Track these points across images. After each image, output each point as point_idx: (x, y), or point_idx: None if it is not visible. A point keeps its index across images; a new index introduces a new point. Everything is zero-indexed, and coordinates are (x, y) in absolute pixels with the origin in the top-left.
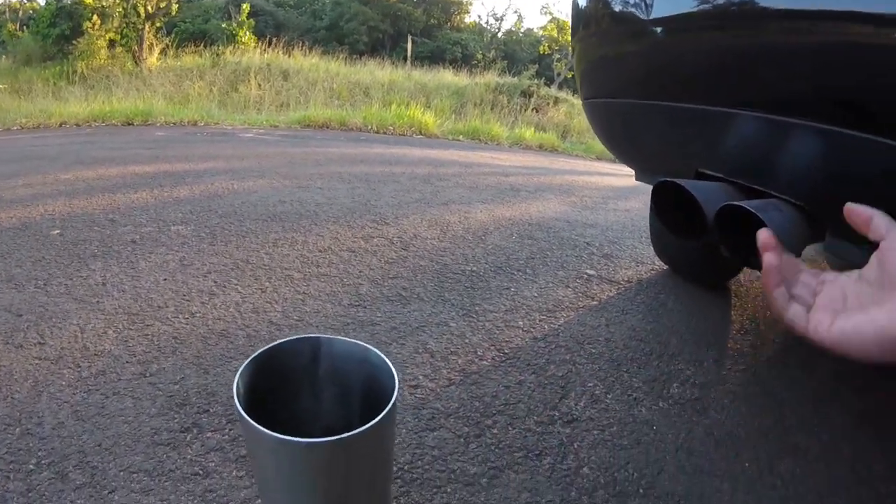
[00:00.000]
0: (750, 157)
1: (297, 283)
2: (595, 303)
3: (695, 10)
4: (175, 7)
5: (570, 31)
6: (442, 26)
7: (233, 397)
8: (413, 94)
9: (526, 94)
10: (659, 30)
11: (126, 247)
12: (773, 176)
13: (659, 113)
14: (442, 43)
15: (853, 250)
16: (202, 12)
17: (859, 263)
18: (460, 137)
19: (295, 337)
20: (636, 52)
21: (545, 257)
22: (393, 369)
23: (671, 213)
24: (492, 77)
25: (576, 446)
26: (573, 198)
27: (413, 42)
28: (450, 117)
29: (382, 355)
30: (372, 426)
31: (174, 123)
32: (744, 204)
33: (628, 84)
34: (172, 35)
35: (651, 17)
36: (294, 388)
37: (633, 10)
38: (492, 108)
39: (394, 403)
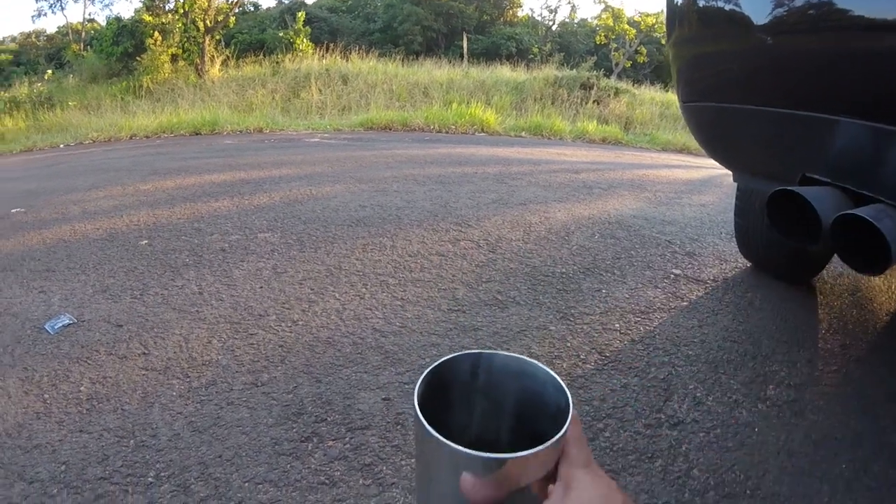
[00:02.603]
0: (857, 163)
1: (393, 289)
2: (685, 303)
3: (803, 13)
4: (233, 20)
5: (628, 22)
6: (495, 22)
7: (416, 414)
8: (472, 91)
9: (586, 87)
10: (765, 32)
11: (216, 255)
12: (881, 182)
13: (764, 118)
14: (496, 38)
15: None
16: (258, 22)
17: None
18: (523, 133)
19: (458, 353)
20: (740, 56)
21: (630, 257)
22: (562, 382)
23: (785, 218)
24: (550, 70)
25: (684, 448)
26: (647, 193)
27: (468, 39)
28: (511, 113)
29: (543, 366)
30: (557, 439)
31: (240, 131)
32: (861, 213)
33: (732, 88)
34: (231, 46)
35: (756, 19)
36: (451, 400)
37: (737, 10)
38: (552, 103)
39: (571, 418)
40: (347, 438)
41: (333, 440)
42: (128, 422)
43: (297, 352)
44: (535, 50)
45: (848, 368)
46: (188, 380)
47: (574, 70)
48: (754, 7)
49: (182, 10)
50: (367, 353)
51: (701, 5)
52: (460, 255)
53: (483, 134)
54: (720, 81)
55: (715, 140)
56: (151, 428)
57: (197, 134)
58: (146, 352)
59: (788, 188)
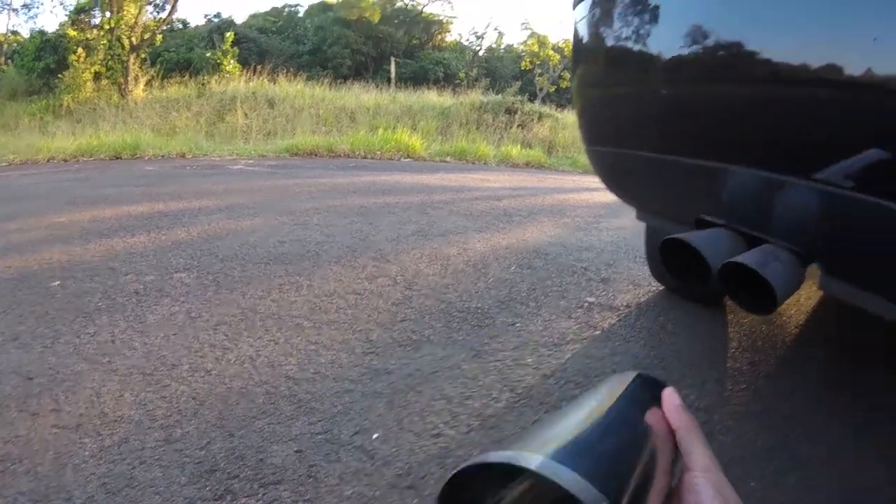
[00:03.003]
0: (748, 207)
1: (308, 333)
2: (598, 332)
3: (696, 58)
4: (160, 38)
5: (553, 48)
6: (424, 46)
7: None
8: (399, 116)
9: (510, 111)
10: (657, 82)
11: (130, 298)
12: (770, 225)
13: (660, 165)
14: (425, 63)
15: (848, 288)
16: (186, 41)
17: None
18: (448, 159)
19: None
20: (636, 103)
21: (545, 287)
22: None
23: (678, 261)
24: (476, 95)
25: None
26: (566, 219)
27: (396, 63)
28: (436, 139)
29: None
30: None
31: (162, 156)
32: (745, 260)
33: (630, 134)
34: (157, 65)
35: (651, 68)
36: None
37: (632, 53)
38: (477, 127)
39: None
40: (260, 494)
41: (247, 497)
42: (41, 484)
43: (210, 404)
44: (462, 75)
45: (757, 385)
46: (100, 438)
47: (499, 95)
48: (650, 55)
49: (108, 26)
50: (280, 403)
51: (600, 49)
52: (377, 293)
53: (409, 159)
54: (619, 127)
55: (617, 182)
56: (66, 491)
57: (118, 158)
58: (58, 407)
59: (677, 237)
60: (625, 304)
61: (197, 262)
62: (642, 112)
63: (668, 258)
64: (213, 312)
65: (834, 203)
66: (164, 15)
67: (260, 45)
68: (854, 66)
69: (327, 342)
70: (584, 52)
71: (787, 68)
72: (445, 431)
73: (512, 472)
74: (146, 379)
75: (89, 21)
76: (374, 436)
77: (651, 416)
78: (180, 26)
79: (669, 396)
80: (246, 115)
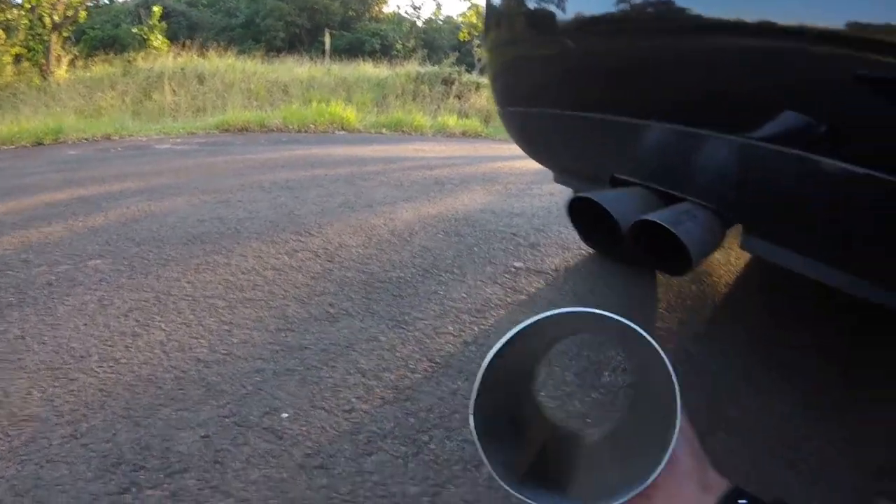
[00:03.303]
0: (662, 164)
1: (221, 313)
2: (524, 297)
3: (606, 15)
4: (83, 14)
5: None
6: (360, 18)
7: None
8: (333, 89)
9: (447, 82)
10: (568, 37)
11: (42, 291)
12: (686, 182)
13: (573, 122)
14: (361, 35)
15: (770, 247)
16: (112, 17)
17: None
18: (383, 130)
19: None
20: (547, 60)
21: (472, 254)
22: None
23: (588, 222)
24: (412, 67)
25: None
26: (498, 186)
27: (331, 35)
28: (372, 111)
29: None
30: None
31: (87, 140)
32: (657, 219)
33: (541, 93)
34: (81, 43)
35: (561, 23)
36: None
37: (544, 14)
38: (414, 99)
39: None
40: (166, 485)
41: (152, 488)
42: None
43: (118, 394)
44: (399, 46)
45: (685, 345)
46: (9, 439)
47: (437, 66)
48: (560, 11)
49: (29, 5)
50: (189, 388)
51: (515, 8)
52: (296, 267)
53: (343, 132)
54: (531, 84)
55: (531, 143)
56: None
57: (39, 144)
58: None
59: (584, 195)
60: (553, 268)
61: (113, 248)
62: (552, 68)
63: (578, 219)
64: (126, 298)
65: (752, 157)
66: None
67: (190, 19)
68: (772, 14)
69: (241, 321)
70: (494, 13)
71: (701, 18)
72: (358, 406)
73: None
74: (54, 374)
75: (10, 1)
76: (284, 415)
77: None
78: (106, 1)
79: None
80: (174, 91)
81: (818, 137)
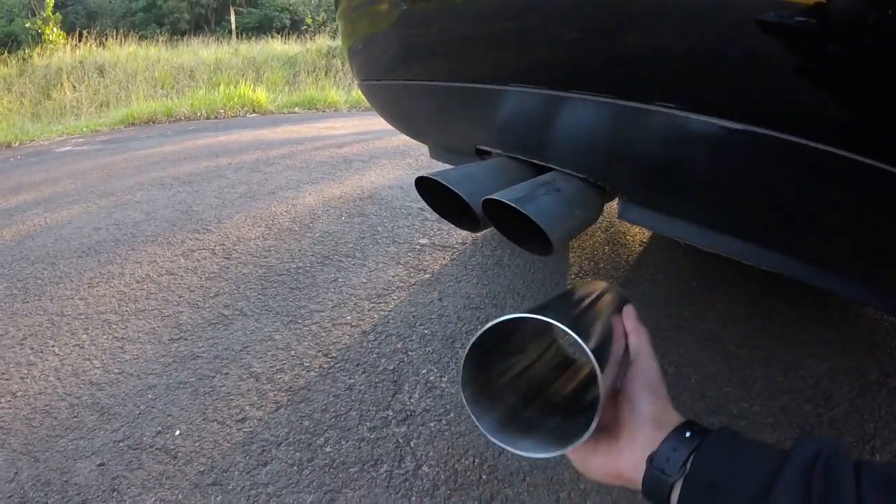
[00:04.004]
0: (522, 132)
1: (115, 328)
2: (428, 276)
3: None
4: None
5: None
6: None
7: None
8: (242, 70)
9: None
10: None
11: None
12: (550, 151)
13: (431, 93)
14: (269, 11)
15: (649, 215)
16: (4, 12)
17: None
18: (297, 110)
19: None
20: (399, 26)
21: (375, 234)
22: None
23: (447, 203)
24: (323, 41)
25: (412, 445)
26: (408, 160)
27: (237, 13)
28: (283, 90)
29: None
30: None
31: None
32: (501, 197)
33: (397, 63)
34: None
35: None
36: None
37: None
38: (326, 74)
39: None
40: None
41: None
42: None
43: (17, 430)
44: (309, 20)
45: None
46: None
47: None
48: None
49: None
50: (83, 414)
51: None
52: (192, 269)
53: (255, 115)
54: (386, 55)
55: (396, 117)
56: None
57: None
58: None
59: (426, 176)
60: (460, 241)
61: (7, 270)
62: (404, 34)
63: (432, 199)
64: (20, 325)
65: (618, 119)
66: None
67: (87, 6)
68: None
69: (134, 335)
70: None
71: None
72: (252, 414)
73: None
74: None
75: None
76: (177, 433)
77: (614, 318)
78: None
79: (629, 308)
80: (74, 87)
81: (686, 92)
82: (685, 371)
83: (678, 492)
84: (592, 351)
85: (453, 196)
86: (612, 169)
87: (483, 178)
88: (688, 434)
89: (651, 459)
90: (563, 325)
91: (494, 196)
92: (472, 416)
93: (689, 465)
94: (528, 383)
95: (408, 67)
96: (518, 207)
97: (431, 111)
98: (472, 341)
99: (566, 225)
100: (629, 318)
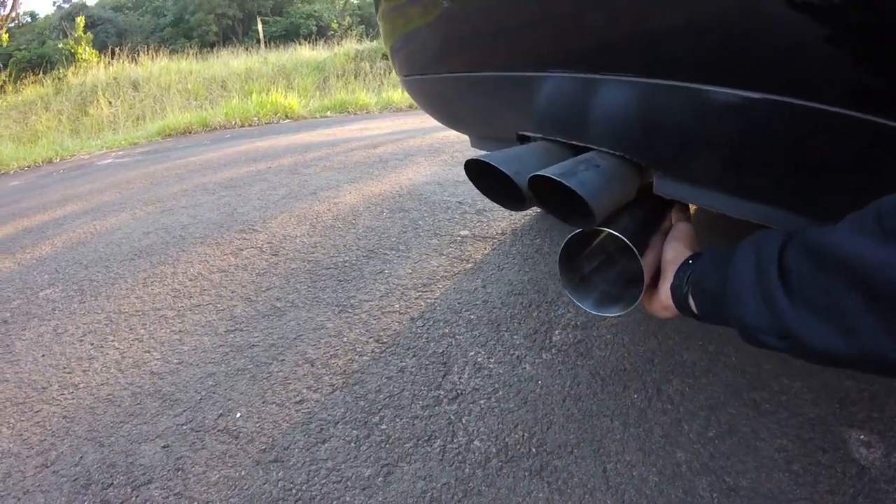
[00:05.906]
0: (560, 115)
1: (171, 322)
2: (470, 265)
3: None
4: (6, 36)
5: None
6: (293, 1)
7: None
8: (272, 78)
9: (388, 57)
10: None
11: None
12: (587, 131)
13: (472, 83)
14: (295, 18)
15: (684, 187)
16: (36, 35)
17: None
18: (328, 114)
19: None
20: (436, 21)
21: (417, 228)
22: None
23: (493, 184)
24: (350, 45)
25: (464, 421)
26: (443, 156)
27: (263, 23)
28: (314, 95)
29: None
30: None
31: (28, 167)
32: (546, 172)
33: (436, 58)
34: (10, 67)
35: None
36: None
37: None
38: (356, 77)
39: None
40: (133, 498)
41: (121, 503)
42: None
43: (80, 419)
44: (335, 25)
45: None
46: None
47: (375, 41)
48: None
49: None
50: (146, 402)
51: None
52: (242, 266)
53: (288, 121)
54: (426, 50)
55: (439, 109)
56: None
57: None
58: None
59: (476, 159)
60: (500, 231)
61: (63, 275)
62: (442, 28)
63: (480, 182)
64: (79, 324)
65: (647, 95)
66: (5, 12)
67: (117, 25)
68: None
69: (190, 328)
70: None
71: None
72: (309, 396)
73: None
74: (19, 409)
75: None
76: (238, 415)
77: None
78: (28, 20)
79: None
80: (110, 103)
81: (709, 67)
82: (725, 349)
83: (692, 299)
84: (629, 240)
85: (499, 176)
86: (646, 145)
87: (527, 159)
88: (690, 261)
89: (672, 288)
90: (611, 228)
91: (540, 172)
92: (575, 301)
93: (689, 278)
94: (606, 270)
95: (450, 60)
96: (562, 181)
97: (474, 101)
98: (560, 255)
99: (606, 197)
100: (675, 209)
